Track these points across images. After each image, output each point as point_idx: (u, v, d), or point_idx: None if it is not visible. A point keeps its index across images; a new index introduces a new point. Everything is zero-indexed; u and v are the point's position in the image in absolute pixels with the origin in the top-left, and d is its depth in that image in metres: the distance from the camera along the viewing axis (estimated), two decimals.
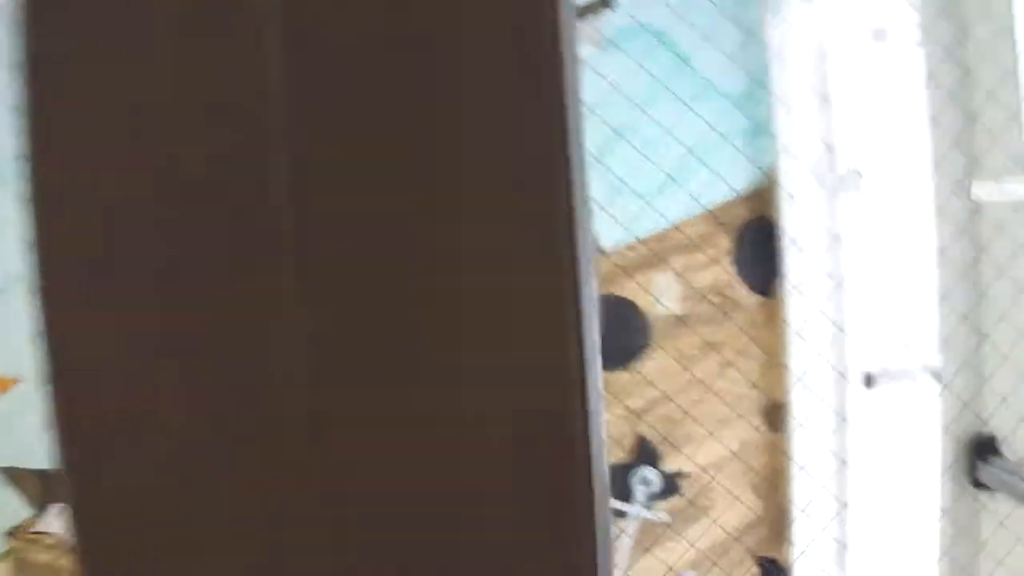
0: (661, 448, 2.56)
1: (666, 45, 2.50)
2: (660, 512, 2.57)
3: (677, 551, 2.61)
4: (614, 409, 2.51)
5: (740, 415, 2.60)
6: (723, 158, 2.56)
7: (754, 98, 2.56)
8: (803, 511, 2.59)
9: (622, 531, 2.55)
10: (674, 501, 2.59)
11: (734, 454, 2.62)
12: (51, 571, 2.52)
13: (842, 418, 2.54)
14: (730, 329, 2.57)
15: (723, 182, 2.55)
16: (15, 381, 2.49)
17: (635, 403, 2.53)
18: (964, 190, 2.44)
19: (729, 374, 2.58)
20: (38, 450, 2.47)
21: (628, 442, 2.54)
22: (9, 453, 2.53)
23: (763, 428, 2.63)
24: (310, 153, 0.44)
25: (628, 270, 2.49)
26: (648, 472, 2.55)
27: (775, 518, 2.67)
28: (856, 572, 2.63)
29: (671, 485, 2.58)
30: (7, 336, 2.50)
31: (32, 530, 2.52)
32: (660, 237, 2.51)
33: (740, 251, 2.57)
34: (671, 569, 2.62)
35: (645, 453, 2.55)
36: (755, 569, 2.68)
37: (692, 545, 2.60)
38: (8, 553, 2.57)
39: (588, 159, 0.51)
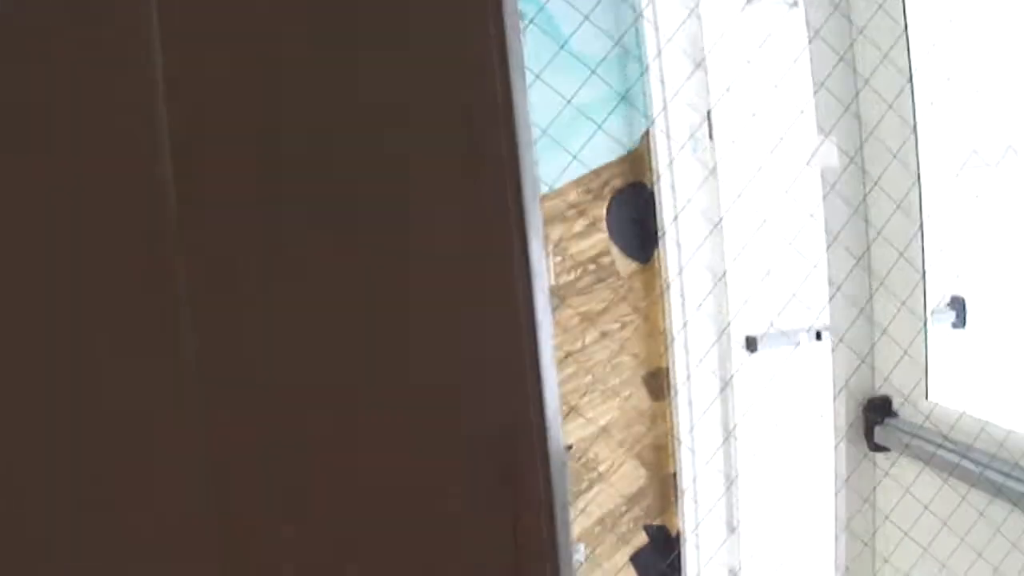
0: None
1: (535, 6, 2.43)
2: None
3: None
4: None
5: (622, 384, 2.58)
6: (593, 125, 2.51)
7: (624, 62, 2.51)
8: (690, 479, 2.58)
9: None
10: None
11: (617, 424, 2.59)
12: None
13: (726, 384, 2.52)
14: (609, 298, 2.54)
15: (595, 148, 2.50)
16: None
17: None
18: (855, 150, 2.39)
19: (609, 344, 2.55)
20: None
21: None
22: None
23: (646, 397, 2.60)
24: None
25: None
26: None
27: (662, 487, 2.66)
28: (747, 539, 2.64)
29: None
30: None
31: None
32: None
33: (615, 218, 2.53)
34: None
35: None
36: (643, 537, 2.67)
37: (579, 515, 2.59)
38: None
39: None
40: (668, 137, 2.49)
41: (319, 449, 0.44)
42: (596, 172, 2.51)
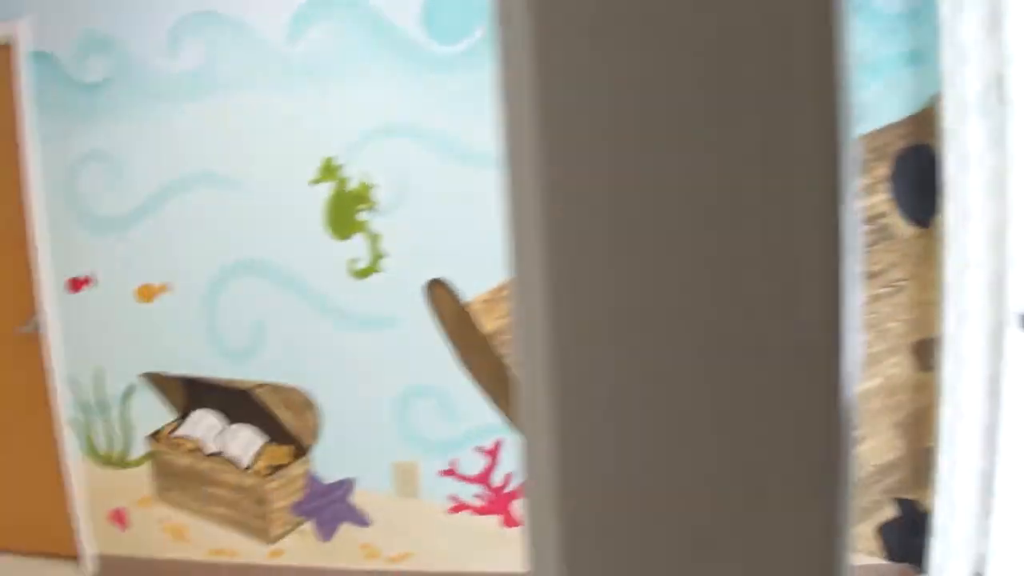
0: None
1: None
2: None
3: None
4: None
5: (888, 351, 2.55)
6: (881, 82, 2.49)
7: (916, 20, 2.47)
8: (949, 457, 2.52)
9: None
10: None
11: (879, 392, 2.58)
12: (190, 474, 2.88)
13: (997, 361, 2.43)
14: (884, 260, 2.52)
15: (881, 106, 2.48)
16: (163, 288, 2.83)
17: None
18: None
19: (880, 308, 2.54)
20: (183, 356, 2.82)
21: None
22: (155, 359, 2.88)
23: (912, 366, 2.56)
24: None
25: None
26: None
27: (917, 461, 2.61)
28: (1003, 518, 2.53)
29: None
30: (155, 245, 2.86)
31: (173, 434, 2.88)
32: None
33: (897, 180, 2.50)
34: None
35: None
36: (892, 510, 2.64)
37: None
38: (150, 455, 2.95)
39: None
40: (958, 99, 2.42)
41: None
42: (881, 131, 2.49)
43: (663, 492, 0.34)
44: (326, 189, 2.66)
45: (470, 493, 2.75)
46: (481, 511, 2.76)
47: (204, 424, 2.88)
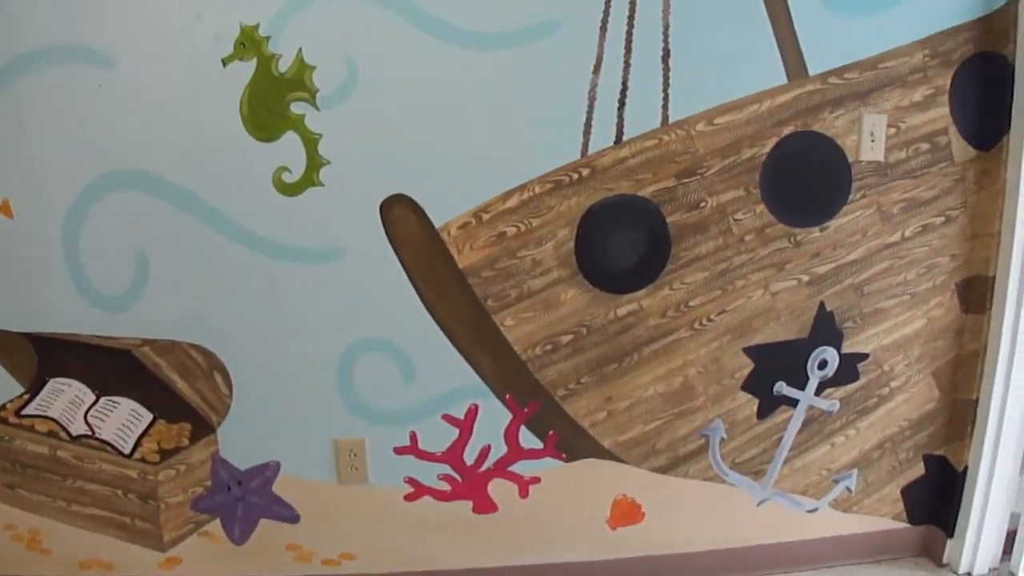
0: (845, 325, 2.15)
1: None
2: (831, 401, 2.19)
3: (843, 447, 2.24)
4: (798, 275, 2.09)
5: (933, 289, 2.18)
6: None
7: None
8: (995, 409, 2.20)
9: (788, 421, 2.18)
10: (849, 388, 2.20)
11: (920, 336, 2.20)
12: (47, 464, 2.12)
13: None
14: (939, 185, 2.12)
15: (948, 5, 2.05)
16: (1, 208, 2.01)
17: (822, 268, 2.10)
18: None
19: (930, 240, 2.14)
20: (32, 306, 2.03)
21: (808, 317, 2.13)
22: None
23: (956, 307, 2.20)
24: None
25: (833, 103, 2.02)
26: (828, 354, 2.15)
27: (954, 413, 2.28)
28: None
29: (850, 370, 2.18)
30: None
31: (21, 412, 2.10)
32: (869, 64, 2.02)
33: (959, 92, 2.09)
34: (829, 471, 2.26)
35: (826, 331, 2.14)
36: (921, 468, 2.31)
37: (858, 436, 2.23)
38: None
39: None
40: None
41: None
42: (947, 33, 2.06)
43: None
44: (243, 70, 1.90)
45: (433, 474, 2.16)
46: (448, 497, 2.18)
47: (65, 397, 2.08)
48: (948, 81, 2.09)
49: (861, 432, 2.25)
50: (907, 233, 2.14)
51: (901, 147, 2.09)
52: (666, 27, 1.93)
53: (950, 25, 2.07)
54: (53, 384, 2.10)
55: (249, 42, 1.90)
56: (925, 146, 2.11)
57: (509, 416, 2.12)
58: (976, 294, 2.20)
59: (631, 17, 1.92)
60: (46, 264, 2.00)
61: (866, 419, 2.24)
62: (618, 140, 1.96)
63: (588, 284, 2.04)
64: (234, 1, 1.88)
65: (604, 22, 1.92)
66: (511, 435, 2.13)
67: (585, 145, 1.96)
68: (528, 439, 2.14)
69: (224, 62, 1.90)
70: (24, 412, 2.11)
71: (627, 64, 1.93)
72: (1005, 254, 2.13)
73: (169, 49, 1.90)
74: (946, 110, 2.10)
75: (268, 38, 1.89)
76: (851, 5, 2.01)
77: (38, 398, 2.11)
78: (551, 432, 2.13)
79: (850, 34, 2.02)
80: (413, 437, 2.12)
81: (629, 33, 1.92)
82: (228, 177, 1.96)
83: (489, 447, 2.15)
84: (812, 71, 2.01)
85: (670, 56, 1.94)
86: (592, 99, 1.94)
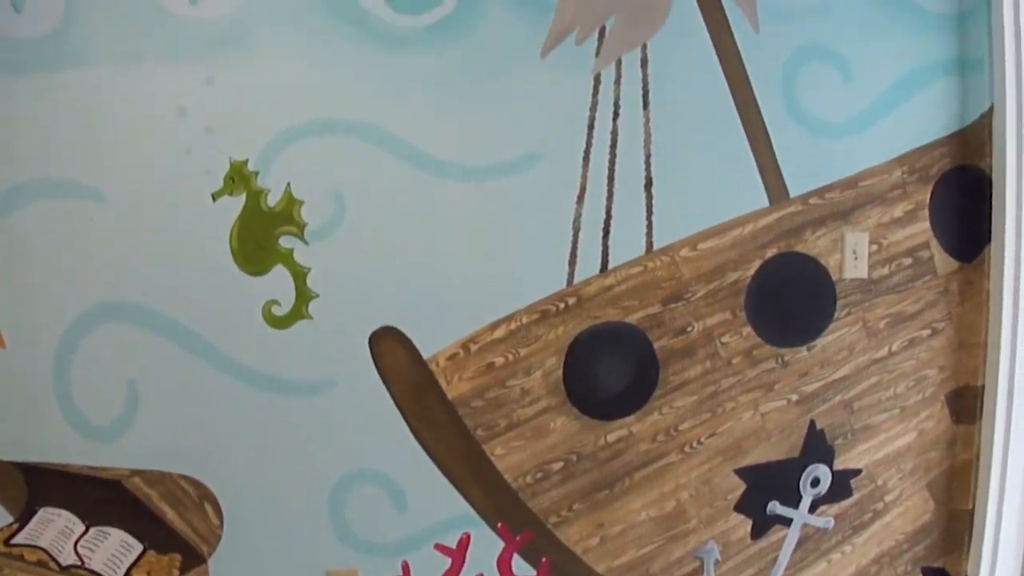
0: (837, 441, 2.15)
1: None
2: (826, 518, 2.18)
3: (840, 564, 2.22)
4: (787, 395, 2.10)
5: (923, 402, 2.18)
6: (925, 95, 2.11)
7: (967, 22, 2.11)
8: (991, 518, 2.19)
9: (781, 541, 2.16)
10: (843, 504, 2.19)
11: (912, 449, 2.20)
12: None
13: None
14: (923, 299, 2.14)
15: (926, 120, 2.11)
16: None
17: (810, 387, 2.11)
18: None
19: (917, 353, 2.16)
20: (23, 435, 2.02)
21: (798, 436, 2.13)
22: None
23: (947, 418, 2.21)
24: None
25: (815, 223, 2.05)
26: (821, 471, 2.14)
27: (951, 524, 2.27)
28: None
29: (843, 487, 2.18)
30: None
31: (11, 541, 2.08)
32: (848, 183, 2.06)
33: (938, 206, 2.13)
34: None
35: (817, 448, 2.14)
36: None
37: (855, 551, 2.21)
38: None
39: None
40: (1016, 114, 2.08)
41: None
42: (924, 149, 2.11)
43: None
44: (233, 205, 1.94)
45: None
46: None
47: (55, 527, 2.06)
48: (927, 196, 2.14)
49: (857, 548, 2.23)
50: (894, 347, 2.16)
51: (884, 263, 2.12)
52: (648, 155, 1.98)
53: (926, 141, 2.12)
54: (43, 513, 2.08)
55: (238, 177, 1.94)
56: (908, 261, 2.14)
57: (502, 544, 2.10)
58: (966, 404, 2.21)
59: (613, 147, 1.97)
60: (37, 393, 2.00)
61: (862, 535, 2.23)
62: (603, 268, 1.99)
63: (577, 411, 2.05)
64: (223, 136, 1.92)
65: (587, 152, 1.96)
66: (504, 564, 2.11)
67: (571, 274, 1.99)
68: (521, 567, 2.12)
69: (214, 196, 1.93)
70: (13, 541, 2.09)
71: (610, 193, 1.97)
72: (993, 363, 2.15)
73: (159, 183, 1.93)
74: (927, 224, 2.14)
75: (257, 173, 1.93)
76: (828, 127, 2.07)
77: (28, 527, 2.09)
78: (544, 559, 2.11)
79: (829, 155, 2.07)
80: (406, 567, 2.09)
81: (612, 162, 1.97)
82: (218, 310, 1.97)
83: None
84: (793, 192, 2.06)
85: (653, 184, 1.98)
86: (577, 228, 1.97)
